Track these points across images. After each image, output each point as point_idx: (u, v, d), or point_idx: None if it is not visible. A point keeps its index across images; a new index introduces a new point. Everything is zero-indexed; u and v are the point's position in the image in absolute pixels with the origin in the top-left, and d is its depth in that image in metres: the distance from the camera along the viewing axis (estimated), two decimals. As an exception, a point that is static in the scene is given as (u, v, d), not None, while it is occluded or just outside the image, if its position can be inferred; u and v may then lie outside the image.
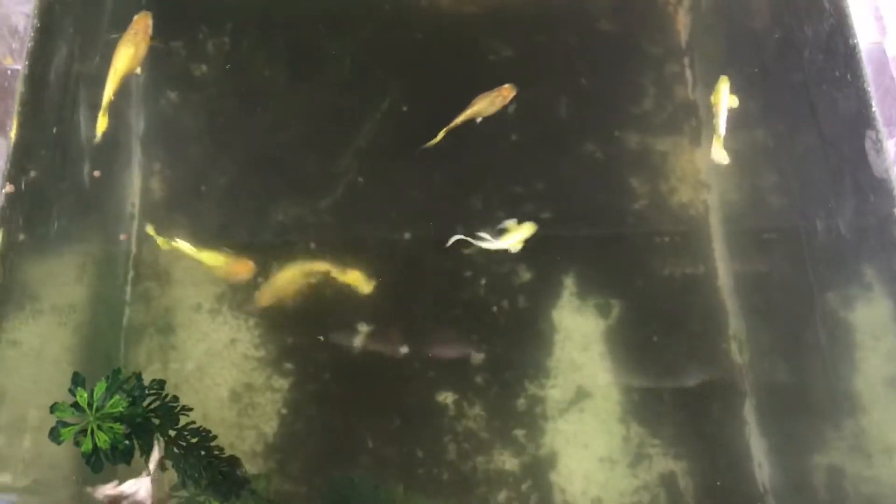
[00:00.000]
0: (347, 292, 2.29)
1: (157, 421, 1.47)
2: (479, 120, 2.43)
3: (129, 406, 1.40)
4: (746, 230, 2.43)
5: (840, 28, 2.49)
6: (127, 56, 2.31)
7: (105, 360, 2.15)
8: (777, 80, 2.54)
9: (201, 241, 2.29)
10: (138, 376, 1.45)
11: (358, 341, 2.25)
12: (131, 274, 2.26)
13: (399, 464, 2.15)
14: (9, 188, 2.02)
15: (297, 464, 2.14)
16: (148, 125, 2.39)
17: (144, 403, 1.44)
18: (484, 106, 2.44)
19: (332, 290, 2.28)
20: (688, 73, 2.59)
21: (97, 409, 1.40)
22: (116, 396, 1.41)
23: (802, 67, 2.50)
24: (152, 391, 1.46)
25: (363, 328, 2.26)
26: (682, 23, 2.63)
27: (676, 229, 2.42)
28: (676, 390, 2.26)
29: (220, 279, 2.26)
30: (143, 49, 2.34)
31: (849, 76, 2.48)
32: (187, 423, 1.54)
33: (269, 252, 2.30)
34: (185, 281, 2.26)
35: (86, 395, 1.42)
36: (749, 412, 2.24)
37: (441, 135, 2.37)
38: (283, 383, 2.21)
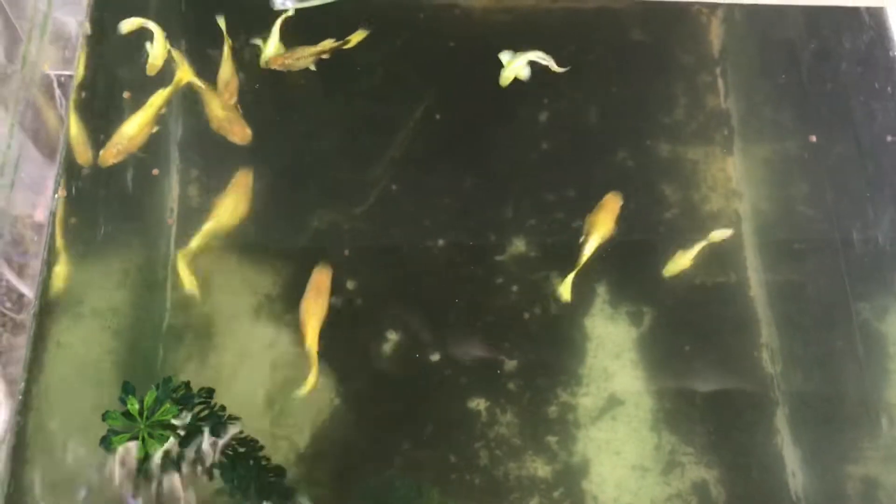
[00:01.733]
0: (380, 300, 2.32)
1: (206, 429, 1.50)
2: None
3: (178, 414, 1.43)
4: (779, 240, 2.43)
5: (880, 40, 2.49)
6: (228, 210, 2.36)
7: (144, 365, 2.19)
8: (812, 91, 2.54)
9: (237, 245, 2.34)
10: (187, 384, 1.48)
11: (390, 349, 2.28)
12: (171, 280, 2.30)
13: (432, 469, 2.16)
14: (61, 192, 2.06)
15: (331, 470, 2.16)
16: (186, 131, 2.43)
17: (194, 411, 1.47)
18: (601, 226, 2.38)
19: (365, 300, 2.31)
20: (720, 82, 2.60)
21: (148, 418, 1.43)
22: (167, 404, 1.44)
23: (839, 78, 2.50)
24: (201, 400, 1.49)
25: (394, 335, 2.29)
26: (716, 32, 2.64)
27: (707, 238, 2.43)
28: (708, 398, 2.26)
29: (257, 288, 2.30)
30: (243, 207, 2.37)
31: (889, 88, 2.48)
32: (236, 434, 1.57)
33: (304, 258, 2.34)
34: (224, 288, 2.28)
35: (136, 403, 1.45)
36: (781, 421, 2.24)
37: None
38: (318, 388, 2.24)
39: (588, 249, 2.34)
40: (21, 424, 1.90)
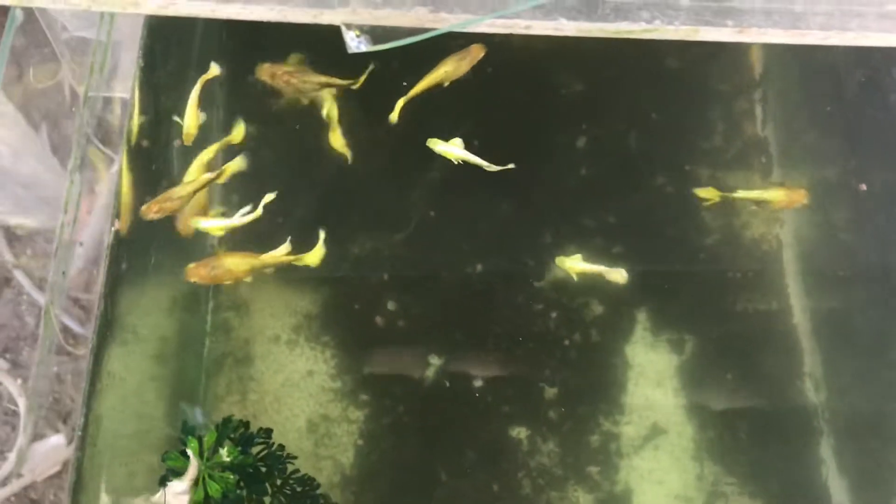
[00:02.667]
0: (421, 325, 2.32)
1: (264, 469, 1.50)
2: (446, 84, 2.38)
3: (239, 455, 1.42)
4: (822, 267, 2.41)
5: (932, 72, 2.48)
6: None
7: (188, 391, 2.20)
8: (856, 119, 2.53)
9: (276, 273, 2.34)
10: (246, 424, 1.48)
11: (431, 373, 2.27)
12: (211, 304, 2.30)
13: (474, 498, 2.16)
14: (118, 225, 2.08)
15: (373, 494, 2.16)
16: (227, 157, 2.45)
17: (253, 451, 1.46)
18: (451, 68, 2.38)
19: (406, 322, 2.31)
20: (758, 109, 2.60)
21: (207, 459, 1.43)
22: (227, 445, 1.44)
23: (888, 109, 2.49)
24: (260, 440, 1.49)
25: (436, 360, 2.28)
26: (755, 58, 2.63)
27: (749, 265, 2.41)
28: (751, 427, 2.24)
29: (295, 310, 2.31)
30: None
31: (938, 120, 2.46)
32: (293, 472, 1.56)
33: (345, 284, 2.35)
34: (264, 311, 2.29)
35: (196, 443, 1.45)
36: (826, 451, 2.22)
37: (400, 105, 2.34)
38: (358, 414, 2.23)
39: (429, 80, 2.35)
40: (80, 458, 1.91)
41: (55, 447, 2.17)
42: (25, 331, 2.30)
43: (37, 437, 2.16)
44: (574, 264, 2.28)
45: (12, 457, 2.17)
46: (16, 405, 2.22)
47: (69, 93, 2.34)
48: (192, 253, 2.24)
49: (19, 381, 2.25)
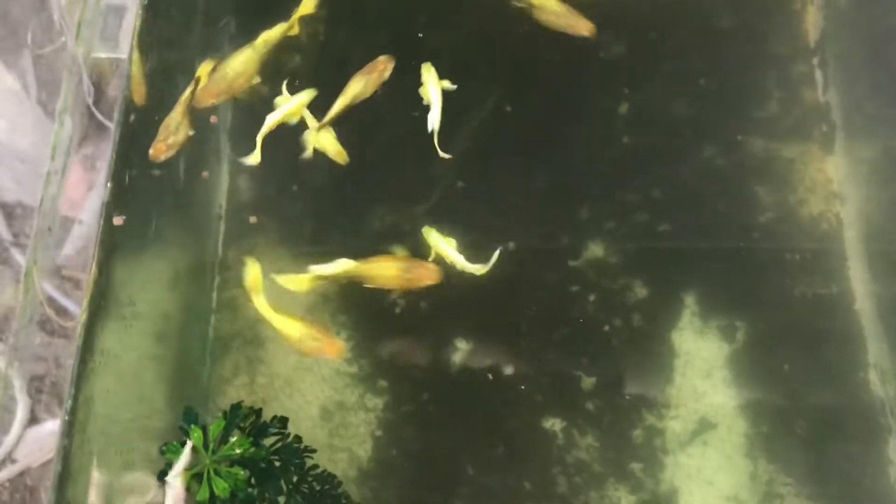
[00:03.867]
0: (446, 306, 2.12)
1: (279, 463, 1.30)
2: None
3: (250, 447, 1.23)
4: (887, 249, 2.19)
5: None
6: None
7: (190, 373, 2.02)
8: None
9: (291, 246, 2.15)
10: (258, 412, 1.29)
11: (458, 358, 2.08)
12: (217, 280, 2.12)
13: (504, 496, 1.96)
14: (117, 221, 1.89)
15: (393, 491, 1.97)
16: (237, 120, 2.25)
17: (266, 443, 1.27)
18: (360, 87, 2.18)
19: (430, 304, 2.12)
20: (817, 73, 2.37)
21: (213, 451, 1.24)
22: (236, 436, 1.24)
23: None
24: (274, 429, 1.30)
25: (463, 344, 2.09)
26: (812, 20, 2.41)
27: (807, 245, 2.19)
28: (810, 423, 2.03)
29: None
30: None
31: None
32: (311, 467, 1.37)
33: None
34: (274, 291, 2.10)
35: (200, 433, 1.25)
36: (894, 450, 2.01)
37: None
38: (377, 402, 2.04)
39: (340, 105, 2.15)
40: (66, 447, 1.72)
41: (52, 432, 2.01)
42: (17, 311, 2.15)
43: (33, 421, 2.01)
44: (436, 242, 2.10)
45: (7, 440, 2.03)
46: (11, 388, 2.08)
47: (71, 62, 2.17)
48: (198, 220, 2.06)
49: (16, 363, 2.09)
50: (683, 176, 2.26)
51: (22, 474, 2.02)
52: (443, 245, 2.08)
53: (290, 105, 2.16)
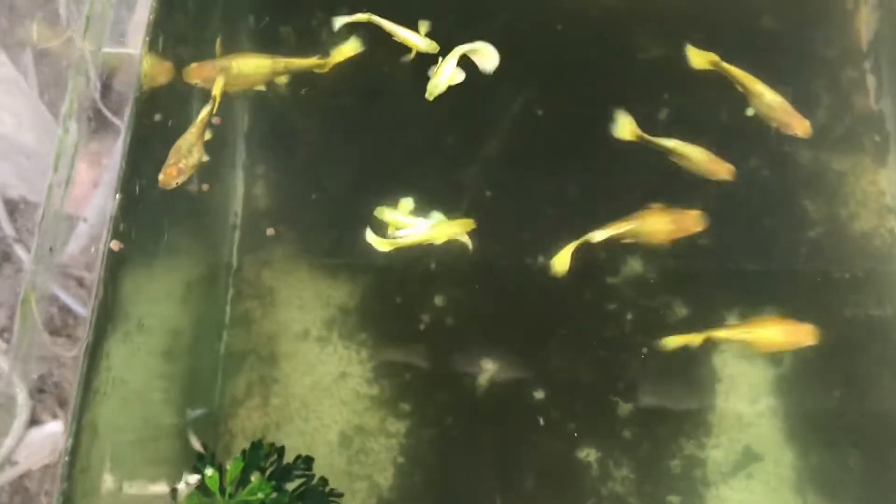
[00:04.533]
0: (473, 323, 2.00)
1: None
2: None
3: (272, 491, 1.11)
4: (947, 267, 2.06)
5: None
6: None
7: (201, 392, 1.89)
8: None
9: (310, 258, 2.02)
10: (280, 451, 1.17)
11: (485, 380, 1.95)
12: (231, 292, 1.99)
13: (535, 531, 1.85)
14: (115, 246, 1.77)
15: (415, 527, 1.85)
16: (253, 121, 2.13)
17: (289, 487, 1.15)
18: (653, 228, 2.00)
19: (456, 320, 1.99)
20: (869, 79, 2.23)
21: (231, 496, 1.12)
22: (257, 478, 1.13)
23: None
24: (299, 471, 1.18)
25: (491, 365, 1.96)
26: (864, 20, 2.27)
27: (858, 263, 2.06)
28: (864, 455, 1.90)
29: (327, 302, 1.98)
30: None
31: None
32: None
33: (385, 273, 2.02)
34: (291, 303, 1.98)
35: (217, 476, 1.13)
36: (956, 489, 1.88)
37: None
38: (399, 427, 1.91)
39: (611, 231, 1.98)
40: (70, 468, 1.60)
41: (52, 434, 1.91)
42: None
43: (34, 422, 1.90)
44: (391, 217, 1.99)
45: (7, 442, 1.92)
46: (12, 387, 1.97)
47: (77, 56, 2.06)
48: (211, 229, 1.94)
49: (18, 363, 1.99)
50: (726, 188, 2.11)
51: (21, 477, 1.93)
52: (397, 216, 1.99)
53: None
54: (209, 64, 2.02)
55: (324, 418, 1.91)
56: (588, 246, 2.07)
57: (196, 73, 2.03)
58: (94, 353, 1.64)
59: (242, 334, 1.95)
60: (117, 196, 1.66)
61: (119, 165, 1.73)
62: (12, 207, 2.10)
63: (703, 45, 2.25)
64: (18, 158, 2.15)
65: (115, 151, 2.03)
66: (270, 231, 2.00)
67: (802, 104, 2.20)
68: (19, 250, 2.09)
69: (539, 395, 1.94)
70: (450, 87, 2.11)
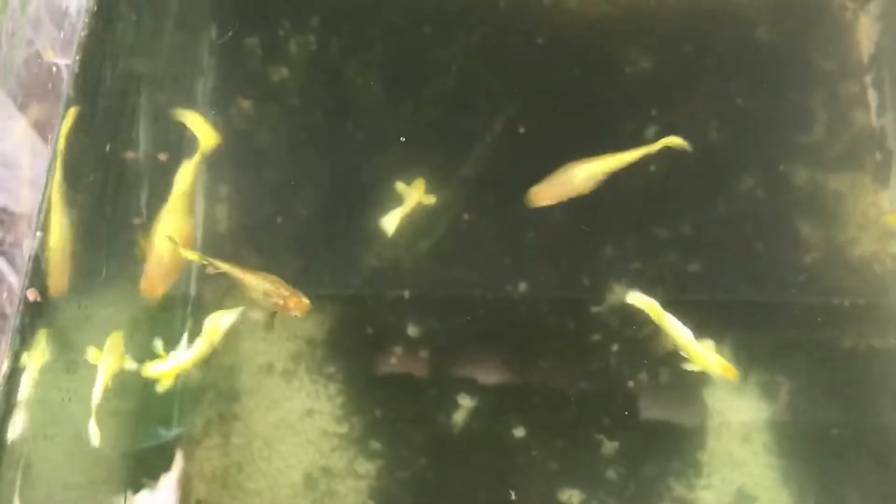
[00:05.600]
0: (449, 355, 1.88)
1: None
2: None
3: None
4: (952, 295, 1.95)
5: None
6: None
7: (154, 432, 1.78)
8: None
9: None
10: None
11: (461, 417, 1.83)
12: (189, 322, 1.88)
13: (513, 580, 1.73)
14: (32, 295, 1.64)
15: (386, 574, 1.74)
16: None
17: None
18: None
19: (431, 352, 1.88)
20: (871, 93, 2.12)
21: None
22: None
23: None
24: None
25: (467, 401, 1.84)
26: (865, 31, 2.16)
27: (858, 290, 1.96)
28: (865, 498, 1.79)
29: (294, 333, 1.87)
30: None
31: None
32: None
33: (356, 302, 1.91)
34: (255, 334, 1.86)
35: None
36: (961, 533, 1.77)
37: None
38: (369, 468, 1.80)
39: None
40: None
41: None
42: (5, 321, 1.93)
43: None
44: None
45: None
46: None
47: (51, 63, 1.95)
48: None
49: None
50: (718, 210, 2.02)
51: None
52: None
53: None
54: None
55: (288, 458, 1.79)
56: (572, 274, 1.98)
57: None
58: (13, 383, 1.51)
59: (201, 368, 1.83)
60: (38, 234, 1.53)
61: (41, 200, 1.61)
62: None
63: (695, 58, 2.16)
64: None
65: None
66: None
67: (800, 120, 2.12)
68: (0, 262, 2.00)
69: (519, 432, 1.82)
70: (425, 100, 2.02)
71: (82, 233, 1.72)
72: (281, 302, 1.73)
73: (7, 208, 2.02)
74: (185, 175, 1.88)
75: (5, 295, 1.90)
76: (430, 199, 1.94)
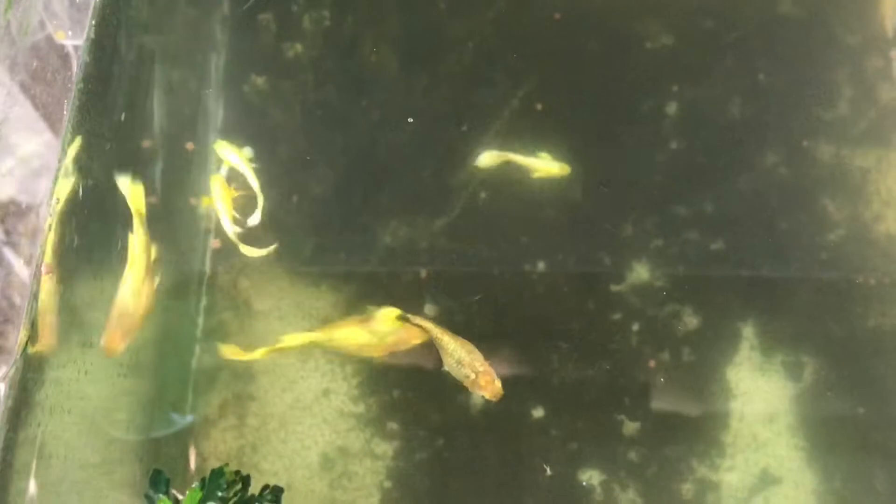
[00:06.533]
0: (466, 335, 1.85)
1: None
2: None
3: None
4: (980, 273, 1.91)
5: None
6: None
7: (169, 411, 1.76)
8: None
9: (290, 265, 1.88)
10: (245, 480, 1.04)
11: (479, 398, 1.81)
12: (204, 302, 1.85)
13: (533, 562, 1.71)
14: (46, 270, 1.60)
15: (403, 556, 1.71)
16: (228, 116, 1.99)
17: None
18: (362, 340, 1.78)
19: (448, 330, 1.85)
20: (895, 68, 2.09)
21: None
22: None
23: None
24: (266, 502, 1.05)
25: (486, 381, 1.83)
26: (891, 5, 2.11)
27: (883, 267, 1.92)
28: (892, 476, 1.76)
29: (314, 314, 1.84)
30: None
31: None
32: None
33: (372, 282, 1.88)
34: (270, 313, 1.84)
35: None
36: None
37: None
38: (386, 448, 1.78)
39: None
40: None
41: None
42: (13, 312, 1.92)
43: None
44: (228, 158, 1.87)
45: None
46: None
47: (60, 50, 1.93)
48: (176, 232, 1.79)
49: (3, 368, 1.86)
50: (740, 187, 1.99)
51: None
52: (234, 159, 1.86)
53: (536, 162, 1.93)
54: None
55: (304, 439, 1.77)
56: (592, 252, 1.94)
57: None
58: (37, 362, 1.49)
59: (216, 348, 1.82)
60: (54, 199, 1.51)
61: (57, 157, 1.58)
62: (2, 210, 1.99)
63: (717, 33, 2.12)
64: (7, 160, 2.04)
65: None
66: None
67: (824, 96, 2.07)
68: (8, 253, 1.98)
69: (538, 413, 1.80)
70: (442, 76, 1.99)
71: (96, 206, 1.69)
72: (472, 376, 1.74)
73: (16, 199, 2.02)
74: (139, 241, 1.82)
75: (15, 286, 1.89)
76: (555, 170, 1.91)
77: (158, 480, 1.24)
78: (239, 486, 1.26)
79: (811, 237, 1.96)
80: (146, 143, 1.91)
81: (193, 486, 1.23)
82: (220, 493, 1.23)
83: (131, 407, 1.75)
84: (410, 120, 1.96)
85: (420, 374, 1.83)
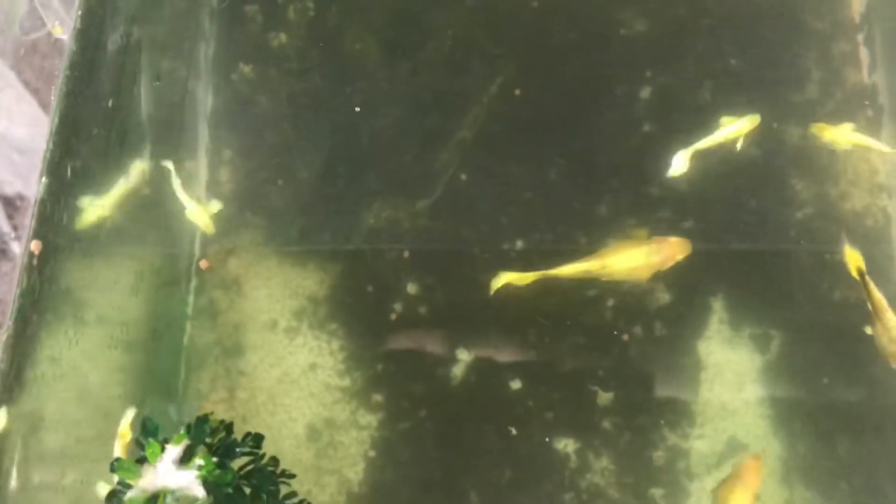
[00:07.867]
0: (447, 312, 1.93)
1: (249, 489, 1.13)
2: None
3: (215, 468, 1.05)
4: (942, 248, 1.98)
5: None
6: None
7: (162, 386, 1.83)
8: None
9: (277, 245, 1.96)
10: (228, 427, 1.11)
11: (460, 371, 1.88)
12: (194, 282, 1.93)
13: (510, 526, 1.78)
14: (35, 247, 1.67)
15: (387, 522, 1.79)
16: (217, 104, 2.06)
17: (235, 465, 1.09)
18: (630, 265, 1.86)
19: (430, 309, 1.92)
20: (862, 52, 2.14)
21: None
22: (201, 454, 1.06)
23: None
24: (246, 449, 1.12)
25: (466, 355, 1.89)
26: (858, -10, 2.18)
27: (849, 243, 1.98)
28: (854, 443, 1.83)
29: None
30: None
31: None
32: (288, 495, 1.18)
33: (356, 260, 1.96)
34: (259, 292, 1.92)
35: (158, 449, 1.07)
36: (950, 477, 1.81)
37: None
38: (370, 419, 1.85)
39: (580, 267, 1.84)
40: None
41: None
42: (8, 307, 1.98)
43: None
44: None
45: None
46: None
47: (62, 47, 1.99)
48: (166, 215, 1.86)
49: None
50: (711, 168, 2.04)
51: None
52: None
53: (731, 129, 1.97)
54: None
55: (291, 411, 1.85)
56: (568, 232, 2.01)
57: None
58: (31, 336, 1.56)
59: (207, 326, 1.89)
60: (43, 179, 1.57)
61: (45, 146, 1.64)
62: (9, 204, 2.05)
63: (689, 19, 2.18)
64: (11, 155, 2.09)
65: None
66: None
67: (792, 79, 2.14)
68: (14, 247, 2.03)
69: (516, 384, 1.87)
70: (423, 64, 2.05)
71: (87, 185, 1.76)
72: None
73: (21, 194, 2.07)
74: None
75: (16, 279, 1.95)
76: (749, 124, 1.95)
77: (150, 426, 1.30)
78: (222, 434, 1.33)
79: (780, 215, 2.02)
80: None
81: (180, 431, 1.29)
82: (205, 439, 1.28)
83: (124, 383, 1.83)
84: (358, 109, 1.99)
85: (403, 347, 1.91)
